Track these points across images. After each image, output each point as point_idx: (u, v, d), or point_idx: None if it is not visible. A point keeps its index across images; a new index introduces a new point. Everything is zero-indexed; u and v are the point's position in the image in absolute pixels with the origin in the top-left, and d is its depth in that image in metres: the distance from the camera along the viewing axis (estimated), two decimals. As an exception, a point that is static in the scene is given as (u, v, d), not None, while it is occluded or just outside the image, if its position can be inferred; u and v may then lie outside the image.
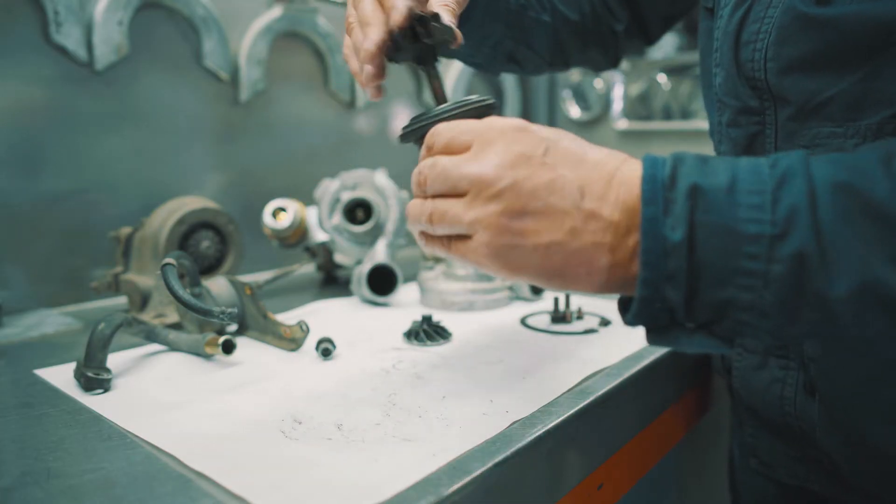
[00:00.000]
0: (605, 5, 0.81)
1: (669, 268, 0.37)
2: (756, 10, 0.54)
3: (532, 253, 0.40)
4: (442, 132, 0.45)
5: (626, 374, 0.63)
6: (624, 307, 0.42)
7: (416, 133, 0.52)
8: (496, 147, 0.41)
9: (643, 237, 0.37)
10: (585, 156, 0.41)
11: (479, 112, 0.50)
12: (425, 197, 0.45)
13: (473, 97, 0.51)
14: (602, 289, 0.41)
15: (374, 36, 0.53)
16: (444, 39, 0.53)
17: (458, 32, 0.54)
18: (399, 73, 1.48)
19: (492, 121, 0.44)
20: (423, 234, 0.47)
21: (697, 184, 0.37)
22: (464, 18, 0.64)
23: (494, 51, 0.73)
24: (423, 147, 0.47)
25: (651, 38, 0.86)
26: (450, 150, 0.44)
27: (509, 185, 0.40)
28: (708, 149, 0.81)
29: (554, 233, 0.39)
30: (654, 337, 0.40)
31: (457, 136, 0.44)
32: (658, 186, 0.37)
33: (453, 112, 0.50)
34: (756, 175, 0.37)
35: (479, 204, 0.41)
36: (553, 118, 1.84)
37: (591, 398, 0.57)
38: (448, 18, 0.54)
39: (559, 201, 0.39)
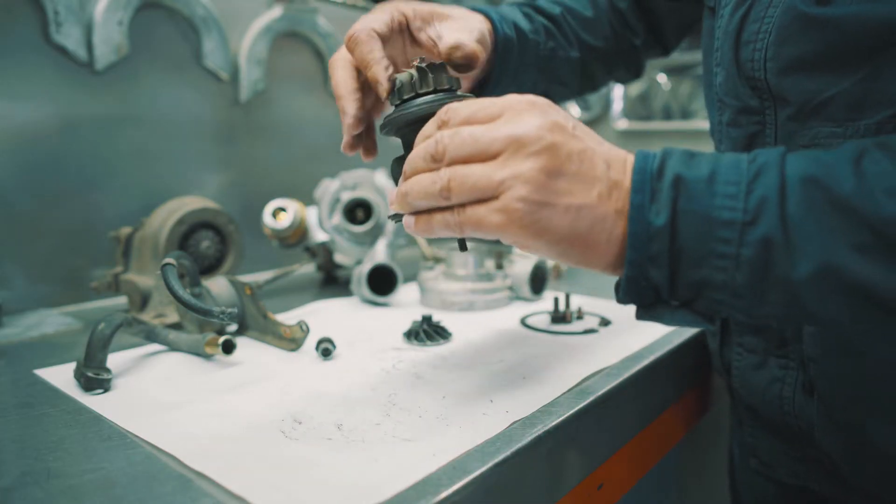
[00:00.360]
0: (624, 23, 0.82)
1: (653, 250, 0.40)
2: (756, 9, 0.54)
3: (563, 214, 0.41)
4: (460, 107, 0.44)
5: (626, 374, 0.63)
6: (617, 287, 0.44)
7: (411, 115, 0.49)
8: (531, 114, 0.42)
9: (630, 222, 0.40)
10: (603, 140, 0.44)
11: None
12: (437, 169, 0.43)
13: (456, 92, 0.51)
14: (613, 262, 0.43)
15: (349, 115, 0.55)
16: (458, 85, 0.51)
17: (476, 54, 0.53)
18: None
19: (514, 96, 0.43)
20: (421, 214, 0.45)
21: (681, 174, 0.40)
22: (499, 72, 0.66)
23: (525, 77, 0.74)
24: (433, 124, 0.45)
25: (668, 48, 0.87)
26: (473, 122, 0.43)
27: (548, 146, 0.40)
28: (708, 148, 0.82)
29: (585, 196, 0.41)
30: (641, 313, 0.44)
31: (481, 109, 0.43)
32: (647, 177, 0.41)
33: (453, 98, 0.49)
34: (735, 168, 0.40)
35: (517, 160, 0.40)
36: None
37: (591, 398, 0.57)
38: (469, 47, 0.53)
39: (590, 168, 0.41)
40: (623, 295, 0.43)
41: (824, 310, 0.40)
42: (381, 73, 0.52)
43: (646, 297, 0.43)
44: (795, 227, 0.38)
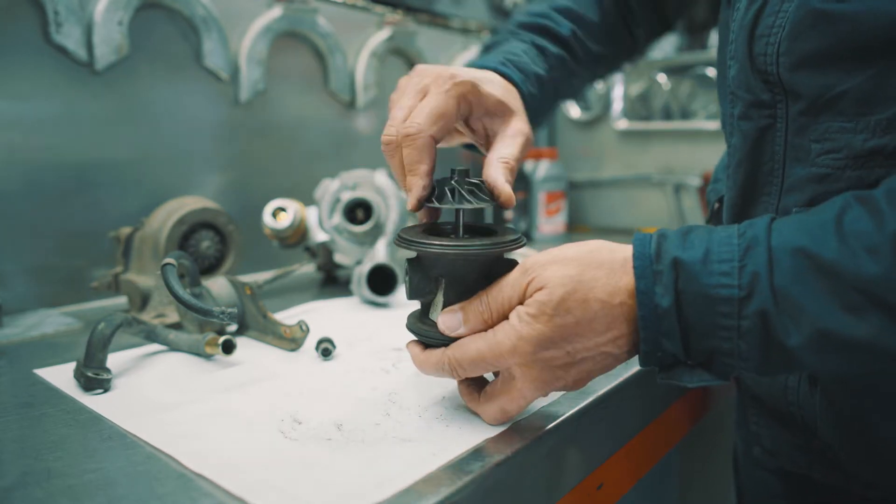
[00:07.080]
0: (627, 16, 0.82)
1: (664, 328, 0.44)
2: (772, 3, 0.53)
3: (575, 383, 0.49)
4: (472, 364, 0.48)
5: (626, 374, 0.63)
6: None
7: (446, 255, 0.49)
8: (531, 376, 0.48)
9: (639, 306, 0.44)
10: (590, 332, 0.46)
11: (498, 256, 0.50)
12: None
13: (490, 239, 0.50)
14: (630, 342, 0.47)
15: (413, 196, 0.53)
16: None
17: (508, 199, 0.53)
18: (396, 72, 1.48)
19: (520, 351, 0.46)
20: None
21: (678, 257, 0.44)
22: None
23: (544, 118, 0.77)
24: (445, 362, 0.49)
25: (671, 26, 0.89)
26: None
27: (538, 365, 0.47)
28: (706, 148, 0.81)
29: (592, 372, 0.48)
30: (662, 375, 0.47)
31: (494, 365, 0.48)
32: (647, 262, 0.44)
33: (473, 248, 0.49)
34: (727, 245, 0.43)
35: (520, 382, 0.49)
36: (553, 118, 1.84)
37: (591, 398, 0.57)
38: (501, 183, 0.53)
39: (591, 372, 0.48)
40: (643, 362, 0.46)
41: (825, 367, 0.43)
42: (418, 189, 0.53)
43: (665, 362, 0.46)
44: (785, 297, 0.41)
